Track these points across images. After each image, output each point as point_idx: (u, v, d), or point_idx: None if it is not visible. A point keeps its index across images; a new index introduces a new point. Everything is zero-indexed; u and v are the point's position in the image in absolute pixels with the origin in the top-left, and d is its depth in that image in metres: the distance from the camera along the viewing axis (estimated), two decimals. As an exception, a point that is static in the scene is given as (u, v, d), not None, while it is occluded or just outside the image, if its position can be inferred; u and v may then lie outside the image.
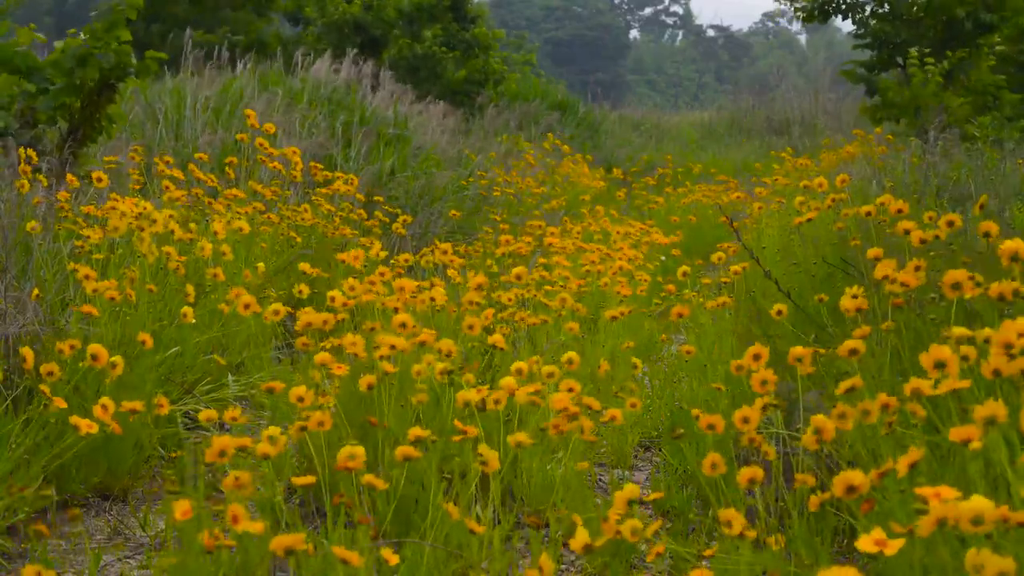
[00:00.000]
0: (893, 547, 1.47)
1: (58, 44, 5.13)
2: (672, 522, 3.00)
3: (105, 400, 2.34)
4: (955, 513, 1.41)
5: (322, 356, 2.76)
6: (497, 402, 2.54)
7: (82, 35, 5.10)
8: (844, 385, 2.07)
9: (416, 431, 2.15)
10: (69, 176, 4.14)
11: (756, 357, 2.43)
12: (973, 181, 4.76)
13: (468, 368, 3.01)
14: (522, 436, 2.23)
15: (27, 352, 2.57)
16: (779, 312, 3.19)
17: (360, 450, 2.01)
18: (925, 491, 1.52)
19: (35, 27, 5.33)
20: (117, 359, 2.66)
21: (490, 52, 15.56)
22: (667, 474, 3.34)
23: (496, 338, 3.05)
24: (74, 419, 2.28)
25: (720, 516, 1.82)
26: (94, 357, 2.58)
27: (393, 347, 2.80)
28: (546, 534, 2.72)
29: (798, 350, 2.40)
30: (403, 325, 2.99)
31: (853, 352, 2.28)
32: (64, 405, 2.47)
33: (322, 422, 2.33)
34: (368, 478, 1.91)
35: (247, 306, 3.43)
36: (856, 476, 1.67)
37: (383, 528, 2.36)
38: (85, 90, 5.09)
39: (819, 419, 2.01)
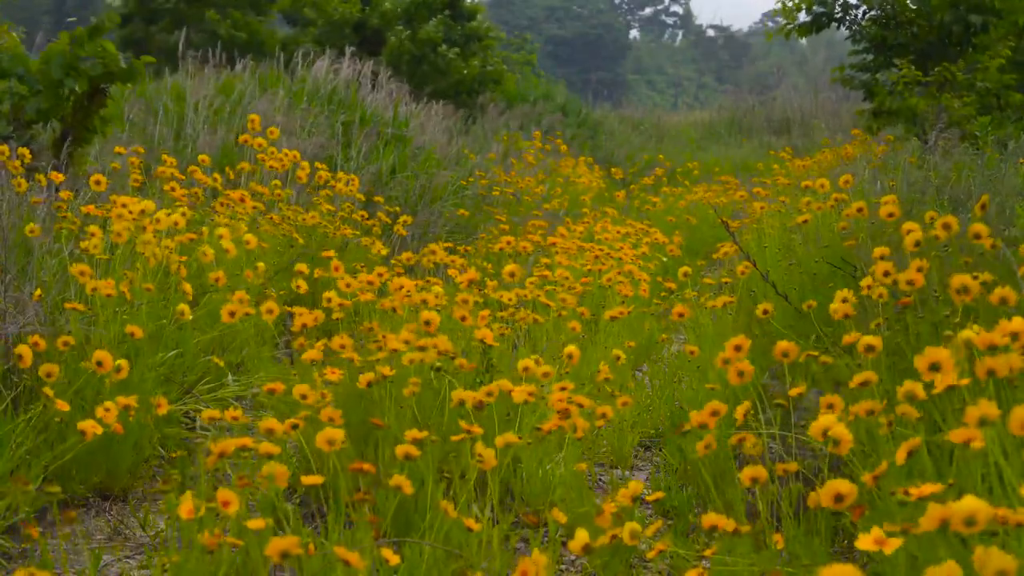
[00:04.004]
0: (892, 545, 1.49)
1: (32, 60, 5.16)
2: (672, 522, 3.00)
3: (108, 403, 2.34)
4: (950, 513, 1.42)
5: (339, 339, 2.78)
6: (490, 394, 2.53)
7: (58, 39, 5.12)
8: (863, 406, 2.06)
9: (413, 433, 2.14)
10: (62, 177, 4.13)
11: (737, 348, 2.44)
12: (974, 181, 4.75)
13: (465, 366, 3.01)
14: (511, 436, 2.23)
15: (24, 350, 2.57)
16: (764, 312, 3.18)
17: (340, 434, 2.02)
18: (918, 491, 1.53)
19: (24, 29, 5.33)
20: (122, 363, 2.66)
21: (488, 49, 15.55)
22: (667, 474, 3.34)
23: (527, 362, 2.91)
24: (80, 424, 2.28)
25: (706, 521, 1.82)
26: (99, 364, 2.59)
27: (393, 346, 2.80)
28: (545, 534, 2.72)
29: (784, 344, 2.40)
30: (427, 323, 2.99)
31: (869, 348, 2.27)
32: (67, 408, 2.47)
33: (323, 418, 2.33)
34: (397, 479, 1.92)
35: (232, 314, 3.41)
36: (843, 485, 1.70)
37: (384, 528, 2.36)
38: (75, 96, 5.10)
39: (781, 412, 2.01)
